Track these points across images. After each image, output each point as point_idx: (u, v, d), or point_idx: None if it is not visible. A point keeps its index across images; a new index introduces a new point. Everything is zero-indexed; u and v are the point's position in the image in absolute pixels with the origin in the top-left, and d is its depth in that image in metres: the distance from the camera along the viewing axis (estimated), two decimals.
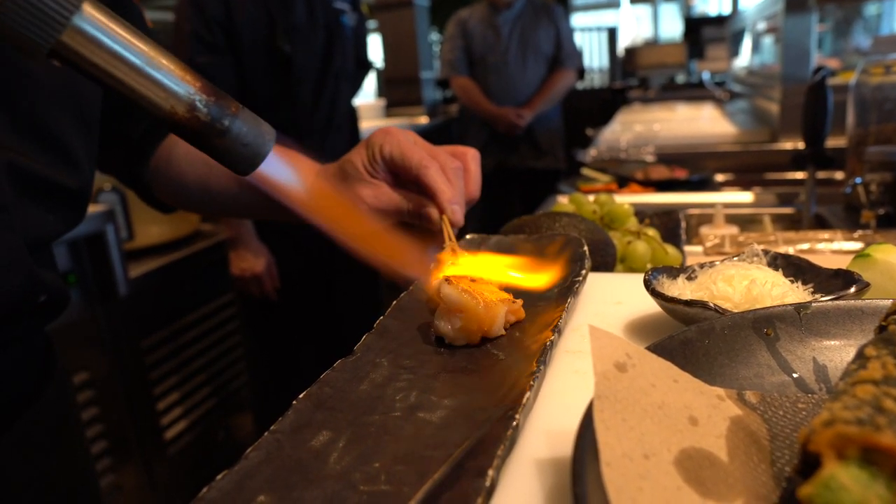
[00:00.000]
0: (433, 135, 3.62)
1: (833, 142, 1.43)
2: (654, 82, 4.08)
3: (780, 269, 0.48)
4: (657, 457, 0.27)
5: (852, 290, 0.42)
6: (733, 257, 0.51)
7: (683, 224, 0.92)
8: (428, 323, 0.47)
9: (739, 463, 0.29)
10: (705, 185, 1.64)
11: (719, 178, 1.80)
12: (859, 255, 0.52)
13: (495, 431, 0.31)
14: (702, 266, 0.50)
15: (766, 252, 0.51)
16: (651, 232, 0.80)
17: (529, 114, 2.75)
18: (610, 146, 2.12)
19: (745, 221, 1.15)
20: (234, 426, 1.87)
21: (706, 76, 3.76)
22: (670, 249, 0.76)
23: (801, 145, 1.82)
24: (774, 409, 0.33)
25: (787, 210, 1.17)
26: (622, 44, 6.71)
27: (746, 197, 1.30)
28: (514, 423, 0.31)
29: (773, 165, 1.83)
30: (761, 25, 2.66)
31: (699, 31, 4.18)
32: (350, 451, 0.32)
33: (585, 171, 1.93)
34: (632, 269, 0.76)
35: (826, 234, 0.82)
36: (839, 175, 1.50)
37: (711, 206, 1.18)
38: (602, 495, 0.24)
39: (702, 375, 0.33)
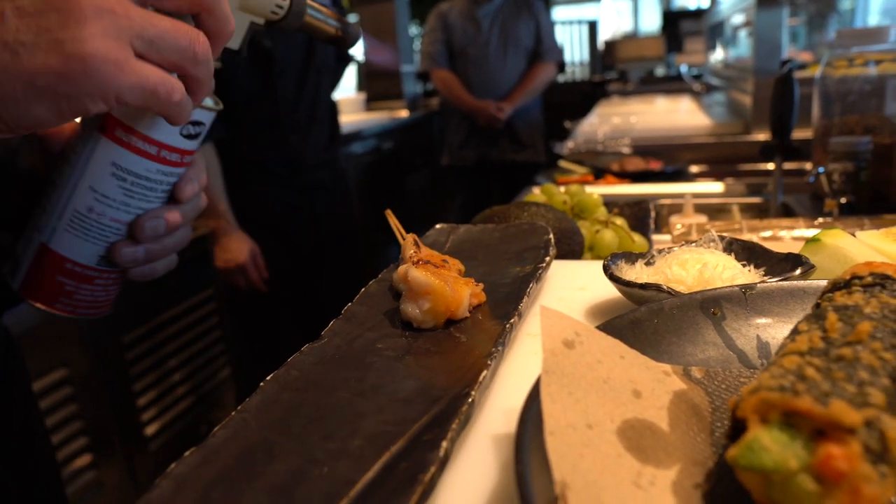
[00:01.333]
0: (414, 128, 3.62)
1: (801, 133, 1.46)
2: (633, 75, 4.11)
3: (733, 254, 0.50)
4: (600, 427, 0.28)
5: (797, 272, 0.44)
6: (691, 243, 0.53)
7: (653, 213, 0.94)
8: (394, 309, 0.48)
9: (680, 432, 0.30)
10: (679, 176, 1.67)
11: (693, 169, 1.83)
12: (811, 239, 0.54)
13: (452, 407, 0.33)
14: (660, 252, 0.52)
15: (722, 238, 0.53)
16: (619, 221, 0.82)
17: (510, 107, 2.77)
18: (587, 138, 2.14)
19: (714, 211, 1.18)
20: (216, 421, 1.88)
21: (684, 69, 3.80)
22: (637, 238, 0.78)
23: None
24: (717, 383, 0.34)
25: (756, 200, 1.20)
26: (602, 37, 6.73)
27: (717, 187, 1.33)
28: (470, 399, 0.33)
29: (746, 157, 1.86)
30: (736, 19, 2.69)
31: (677, 24, 4.22)
32: (314, 429, 0.33)
33: (562, 163, 1.95)
34: (599, 257, 0.77)
35: (788, 222, 0.84)
36: (808, 166, 1.53)
37: (681, 196, 1.21)
38: (545, 464, 0.26)
39: (650, 353, 0.35)
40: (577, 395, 0.29)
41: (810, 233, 0.83)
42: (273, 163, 1.60)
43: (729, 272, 0.45)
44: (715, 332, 0.38)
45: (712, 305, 0.39)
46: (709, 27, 3.49)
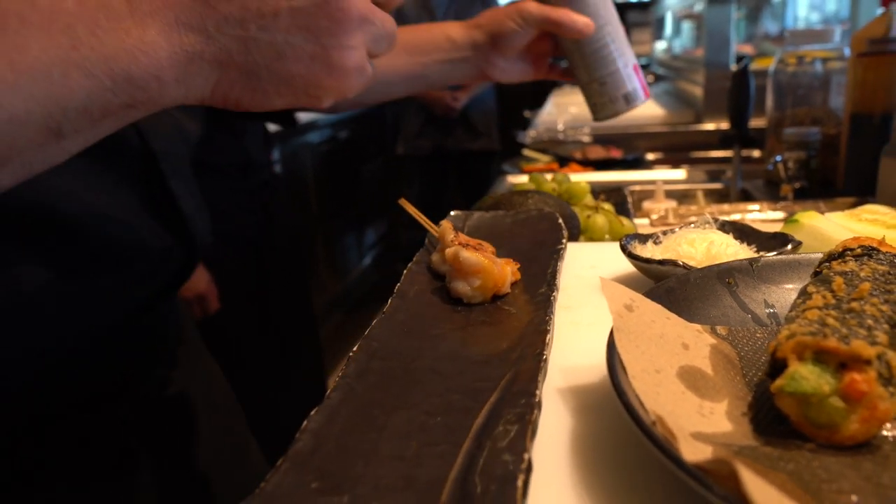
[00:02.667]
0: (368, 119, 3.65)
1: (752, 123, 1.59)
2: None
3: (729, 233, 0.57)
4: (664, 372, 0.35)
5: (789, 247, 0.52)
6: (690, 225, 0.60)
7: (630, 199, 1.02)
8: (439, 287, 0.54)
9: (721, 375, 0.37)
10: (639, 163, 1.77)
11: (650, 156, 1.93)
12: (789, 220, 0.62)
13: (529, 365, 0.39)
14: (664, 233, 0.60)
15: (715, 220, 0.60)
16: (607, 206, 0.89)
17: (464, 96, 2.82)
18: (547, 128, 2.23)
19: (680, 196, 1.27)
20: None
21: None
22: (625, 221, 0.86)
23: (723, 126, 1.97)
24: (739, 338, 0.42)
25: (717, 185, 1.30)
26: None
27: (680, 174, 1.43)
28: (545, 356, 0.39)
29: (699, 144, 1.97)
30: (682, 12, 2.82)
31: (623, 15, 4.35)
32: (413, 389, 0.39)
33: (526, 152, 2.03)
34: (591, 240, 0.85)
35: (754, 206, 0.93)
36: (756, 153, 1.66)
37: (650, 182, 1.30)
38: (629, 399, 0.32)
39: (683, 315, 0.42)
40: (643, 348, 0.36)
41: (774, 215, 0.92)
42: (225, 164, 1.60)
43: (732, 248, 0.53)
44: (731, 297, 0.45)
45: (727, 276, 0.46)
46: (655, 19, 3.63)
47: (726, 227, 0.59)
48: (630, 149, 1.91)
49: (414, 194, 3.11)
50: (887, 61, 0.94)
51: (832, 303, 0.36)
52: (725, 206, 0.95)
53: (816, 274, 0.42)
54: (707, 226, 0.60)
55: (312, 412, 0.36)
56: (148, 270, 0.55)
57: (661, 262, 0.52)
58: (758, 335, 0.42)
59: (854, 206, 0.88)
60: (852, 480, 0.29)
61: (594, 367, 0.44)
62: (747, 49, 2.53)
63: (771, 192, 1.19)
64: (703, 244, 0.54)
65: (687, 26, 3.48)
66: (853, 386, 0.31)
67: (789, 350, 0.33)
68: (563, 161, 1.84)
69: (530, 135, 2.18)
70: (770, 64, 1.23)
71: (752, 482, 0.24)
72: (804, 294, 0.39)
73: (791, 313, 0.37)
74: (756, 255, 0.48)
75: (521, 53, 0.76)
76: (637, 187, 1.28)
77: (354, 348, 0.43)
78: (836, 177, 1.11)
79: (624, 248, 0.56)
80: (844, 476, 0.30)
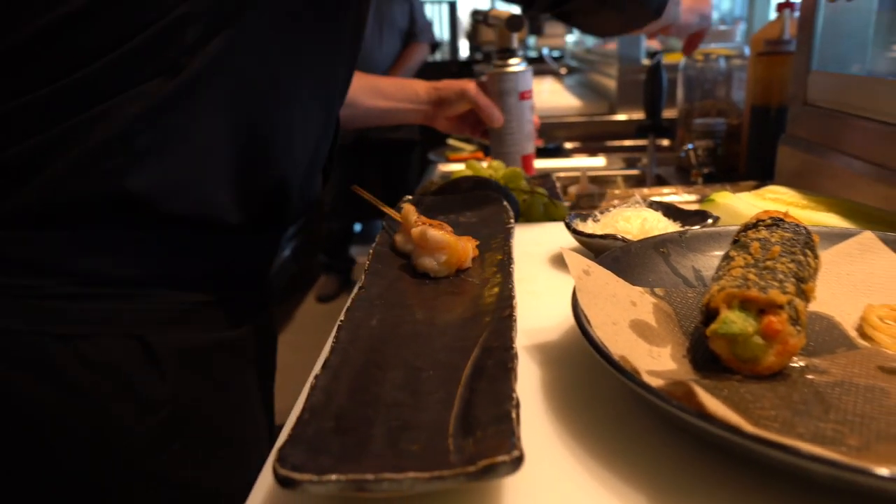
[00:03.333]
0: None
1: (664, 114, 1.72)
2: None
3: (658, 211, 0.65)
4: (619, 324, 0.42)
5: (710, 221, 0.60)
6: (623, 204, 0.68)
7: (558, 185, 1.10)
8: (405, 265, 0.59)
9: (663, 327, 0.44)
10: (559, 152, 1.87)
11: (568, 145, 2.04)
12: (706, 199, 0.71)
13: (502, 325, 0.45)
14: (601, 212, 0.67)
15: (644, 200, 0.68)
16: (540, 191, 0.96)
17: None
18: None
19: (601, 182, 1.36)
20: None
21: (546, 52, 4.08)
22: (559, 204, 0.93)
23: (635, 116, 2.10)
24: (674, 298, 0.49)
25: (634, 171, 1.41)
26: (462, 18, 6.92)
27: (600, 161, 1.52)
28: (514, 318, 0.45)
29: (613, 134, 2.09)
30: None
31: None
32: (403, 349, 0.43)
33: (451, 142, 2.09)
34: (529, 222, 0.91)
35: (671, 189, 1.03)
36: (666, 142, 1.79)
37: (573, 169, 1.39)
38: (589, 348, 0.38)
39: (627, 279, 0.49)
40: (600, 305, 0.43)
41: (688, 197, 1.02)
42: None
43: (662, 224, 0.60)
44: (665, 264, 0.53)
45: (661, 246, 0.54)
46: None
47: (654, 206, 0.67)
48: (550, 138, 2.00)
49: (335, 182, 3.12)
50: (781, 60, 1.05)
51: (751, 262, 0.43)
52: (646, 190, 1.04)
53: (735, 242, 0.49)
54: (637, 205, 0.68)
55: (317, 372, 0.40)
56: None
57: (603, 237, 0.59)
58: (689, 294, 0.50)
59: (756, 188, 0.99)
60: (771, 400, 0.37)
61: (553, 327, 0.50)
62: (654, 44, 2.69)
63: (682, 178, 1.31)
64: (637, 220, 0.61)
65: None
66: (770, 326, 0.38)
67: (720, 300, 0.40)
68: (488, 150, 1.92)
69: None
70: (679, 59, 1.34)
71: (704, 395, 0.30)
72: (727, 258, 0.46)
73: (718, 273, 0.45)
74: (683, 229, 0.56)
75: (461, 115, 1.08)
76: (562, 174, 1.36)
77: (341, 317, 0.47)
78: (738, 163, 1.23)
79: (568, 226, 0.63)
80: (765, 397, 0.37)
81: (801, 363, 0.40)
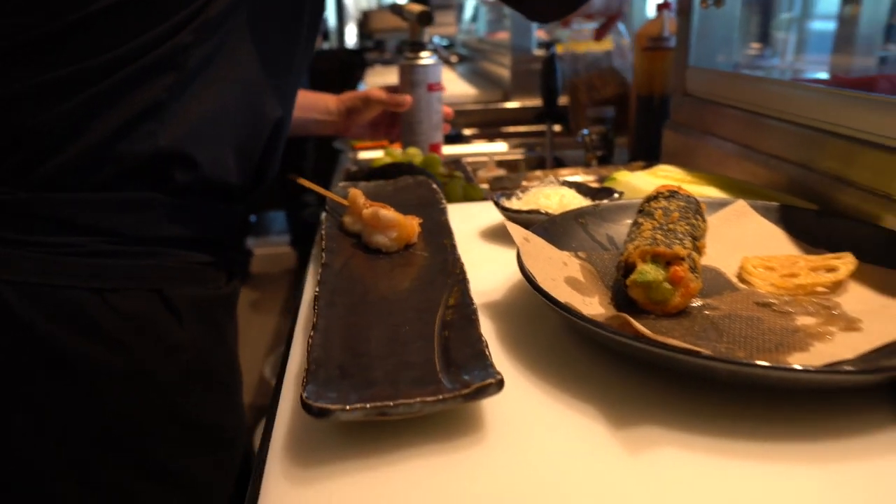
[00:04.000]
0: None
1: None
2: (388, 45, 4.39)
3: (572, 189, 0.75)
4: (557, 280, 0.51)
5: (616, 195, 0.71)
6: (542, 184, 0.77)
7: (469, 169, 1.19)
8: (356, 244, 0.66)
9: (589, 282, 0.54)
10: (459, 138, 1.96)
11: (467, 132, 2.14)
12: (608, 178, 0.82)
13: (459, 287, 0.52)
14: (523, 191, 0.76)
15: (558, 179, 0.78)
16: (458, 174, 1.05)
17: None
18: None
19: (506, 166, 1.47)
20: None
21: (437, 40, 4.17)
22: (475, 186, 1.02)
23: (528, 103, 2.24)
24: (594, 259, 0.59)
25: (535, 156, 1.52)
26: (350, 6, 6.88)
27: (502, 147, 1.63)
28: (467, 280, 0.53)
29: (508, 120, 2.22)
30: None
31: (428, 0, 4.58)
32: (377, 312, 0.50)
33: None
34: (449, 202, 1.00)
35: (572, 171, 1.15)
36: (558, 127, 1.94)
37: (480, 154, 1.49)
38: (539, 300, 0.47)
39: (556, 245, 0.58)
40: (540, 265, 0.51)
41: (589, 178, 1.14)
42: None
43: (577, 200, 0.70)
44: (584, 233, 0.63)
45: (580, 217, 0.63)
46: (457, 4, 3.88)
47: (568, 185, 0.77)
48: (450, 125, 2.09)
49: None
50: (662, 55, 1.19)
51: (657, 226, 0.53)
52: (550, 172, 1.15)
53: (640, 211, 0.60)
54: (552, 185, 0.77)
55: (311, 333, 0.46)
56: None
57: (528, 212, 0.68)
58: (605, 256, 0.60)
59: (646, 167, 1.12)
60: (679, 331, 0.47)
61: (496, 288, 0.59)
62: (542, 34, 2.85)
63: (578, 160, 1.43)
64: (556, 197, 0.71)
65: (483, 11, 3.78)
66: (676, 274, 0.48)
67: (636, 256, 0.50)
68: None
69: None
70: (570, 49, 1.47)
71: (636, 323, 0.40)
72: (636, 224, 0.57)
73: (630, 236, 0.55)
74: (596, 203, 0.66)
75: (369, 122, 1.17)
76: (469, 159, 1.45)
77: (316, 289, 0.53)
78: (628, 146, 1.37)
79: (497, 204, 0.71)
80: (675, 329, 0.47)
81: (699, 303, 0.51)
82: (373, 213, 0.63)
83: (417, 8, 1.33)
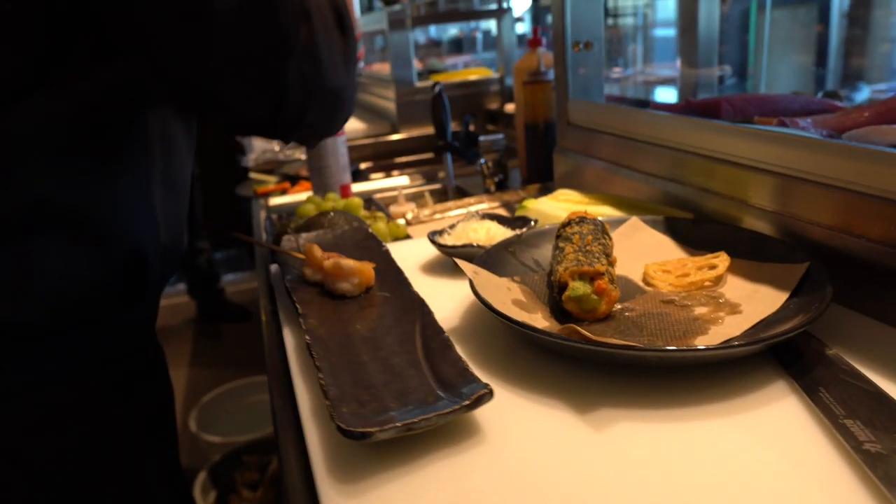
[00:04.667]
0: None
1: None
2: None
3: (494, 221, 0.87)
4: (506, 303, 0.62)
5: (533, 224, 0.83)
6: (466, 219, 0.88)
7: (383, 205, 1.29)
8: (320, 291, 0.74)
9: (530, 301, 0.66)
10: (358, 174, 2.05)
11: (363, 166, 2.23)
12: (519, 207, 0.95)
13: (427, 319, 0.62)
14: (452, 227, 0.87)
15: (477, 213, 0.90)
16: (380, 214, 1.14)
17: None
18: (264, 150, 2.39)
19: (413, 198, 1.58)
20: None
21: None
22: (399, 224, 1.12)
23: (415, 133, 2.37)
24: (528, 281, 0.71)
25: (437, 186, 1.64)
26: None
27: (405, 180, 1.74)
28: (432, 313, 0.63)
29: (398, 151, 2.34)
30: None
31: None
32: (364, 347, 0.59)
33: (253, 175, 2.17)
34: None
35: (476, 199, 1.28)
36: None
37: (385, 189, 1.59)
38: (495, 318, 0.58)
39: (495, 273, 0.69)
40: (490, 292, 0.62)
41: (494, 204, 1.27)
42: None
43: (501, 231, 0.82)
44: (515, 259, 0.74)
45: (509, 247, 0.75)
46: None
47: (488, 217, 0.89)
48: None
49: None
50: (542, 87, 1.35)
51: (577, 248, 0.66)
52: (450, 203, 1.27)
53: (559, 236, 0.72)
54: (474, 218, 0.89)
55: (320, 376, 0.54)
56: None
57: (463, 247, 0.79)
58: (535, 277, 0.72)
59: (541, 190, 1.27)
60: (609, 331, 0.59)
61: (453, 316, 0.69)
62: (419, 65, 3.00)
63: (478, 186, 1.57)
64: (482, 230, 0.82)
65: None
66: (600, 286, 0.61)
67: (567, 276, 0.62)
68: (293, 180, 2.04)
69: (251, 158, 2.32)
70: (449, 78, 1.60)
71: (582, 330, 0.52)
72: (558, 248, 0.69)
73: (556, 259, 0.67)
74: (519, 232, 0.78)
75: None
76: (378, 196, 1.55)
77: (307, 337, 0.61)
78: (520, 169, 1.52)
79: (433, 242, 0.82)
80: (606, 330, 0.60)
81: (619, 307, 0.64)
82: (334, 264, 0.71)
83: None
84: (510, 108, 2.26)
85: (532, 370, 0.57)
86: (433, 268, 0.85)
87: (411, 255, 0.91)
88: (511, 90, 2.29)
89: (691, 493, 0.42)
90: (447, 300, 0.73)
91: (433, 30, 4.47)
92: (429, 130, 2.37)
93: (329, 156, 1.40)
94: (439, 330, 0.60)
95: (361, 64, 3.86)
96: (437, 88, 1.60)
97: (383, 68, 3.00)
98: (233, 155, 2.52)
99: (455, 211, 1.23)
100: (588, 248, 0.66)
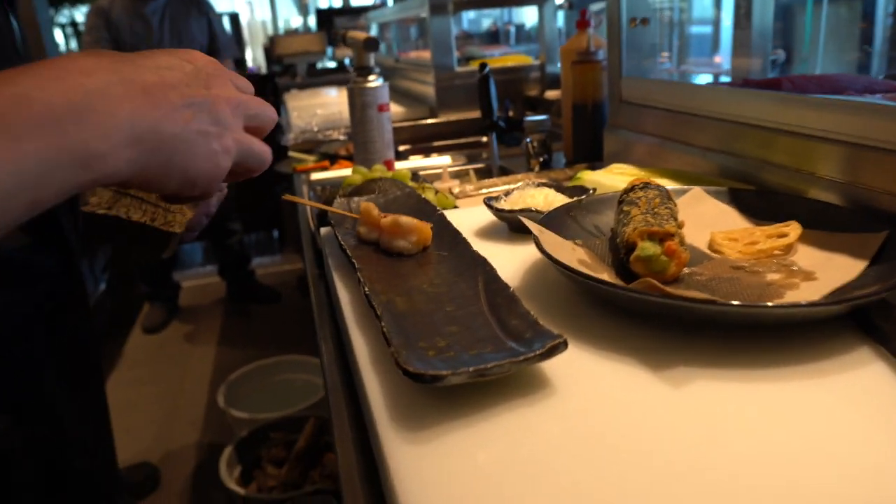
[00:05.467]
0: None
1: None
2: (299, 69, 4.42)
3: (551, 188, 0.85)
4: (572, 262, 0.61)
5: (592, 191, 0.82)
6: (521, 187, 0.87)
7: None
8: (375, 249, 0.73)
9: (595, 263, 0.64)
10: (398, 155, 2.05)
11: (401, 148, 2.23)
12: (574, 178, 0.93)
13: (490, 274, 0.61)
14: (507, 194, 0.86)
15: (533, 182, 0.88)
16: (427, 185, 1.13)
17: None
18: (303, 130, 2.39)
19: (458, 176, 1.57)
20: None
21: (347, 62, 4.24)
22: (447, 195, 1.11)
23: (453, 118, 2.36)
24: (590, 245, 0.69)
25: (481, 165, 1.63)
26: (245, 29, 6.83)
27: (447, 160, 1.73)
28: (494, 267, 0.62)
29: (437, 135, 2.32)
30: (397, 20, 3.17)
31: (332, 21, 4.65)
32: (426, 302, 0.58)
33: (292, 154, 2.18)
34: None
35: (523, 176, 1.26)
36: (485, 139, 2.07)
37: (429, 167, 1.58)
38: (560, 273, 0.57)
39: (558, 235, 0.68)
40: (555, 247, 0.61)
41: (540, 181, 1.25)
42: None
43: (559, 197, 0.81)
44: (575, 224, 0.73)
45: (570, 211, 0.74)
46: (367, 26, 3.97)
47: (543, 185, 0.88)
48: None
49: None
50: (591, 67, 1.33)
51: (644, 211, 0.64)
52: (496, 179, 1.26)
53: (622, 201, 0.71)
54: (529, 186, 0.87)
55: (382, 324, 0.53)
56: None
57: (521, 211, 0.78)
58: (597, 242, 0.70)
59: (589, 168, 1.25)
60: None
61: (515, 276, 0.68)
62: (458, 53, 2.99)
63: (521, 166, 1.55)
64: (540, 196, 0.81)
65: (393, 33, 3.90)
66: (670, 247, 0.59)
67: (636, 236, 0.60)
68: (332, 158, 2.04)
69: (290, 138, 2.32)
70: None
71: (660, 284, 0.50)
72: (623, 212, 0.67)
73: (622, 222, 0.65)
74: (579, 198, 0.76)
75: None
76: (422, 173, 1.54)
77: (365, 288, 0.60)
78: (564, 150, 1.50)
79: (490, 206, 0.80)
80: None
81: (687, 271, 0.62)
82: (393, 221, 0.71)
83: (362, 35, 1.41)
84: (551, 94, 2.23)
85: (602, 328, 0.56)
86: (488, 233, 0.84)
87: (464, 221, 0.89)
88: (552, 77, 2.27)
89: (773, 453, 0.40)
90: (506, 262, 0.72)
91: (465, 23, 4.47)
92: (467, 115, 2.36)
93: (374, 130, 1.40)
94: (504, 286, 0.58)
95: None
96: (485, 70, 1.58)
97: (420, 55, 2.99)
98: (270, 135, 2.53)
99: (501, 186, 1.22)
100: (656, 210, 0.64)
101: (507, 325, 0.52)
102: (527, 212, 0.77)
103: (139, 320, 3.36)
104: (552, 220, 0.71)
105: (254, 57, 7.61)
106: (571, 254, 0.63)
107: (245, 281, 3.45)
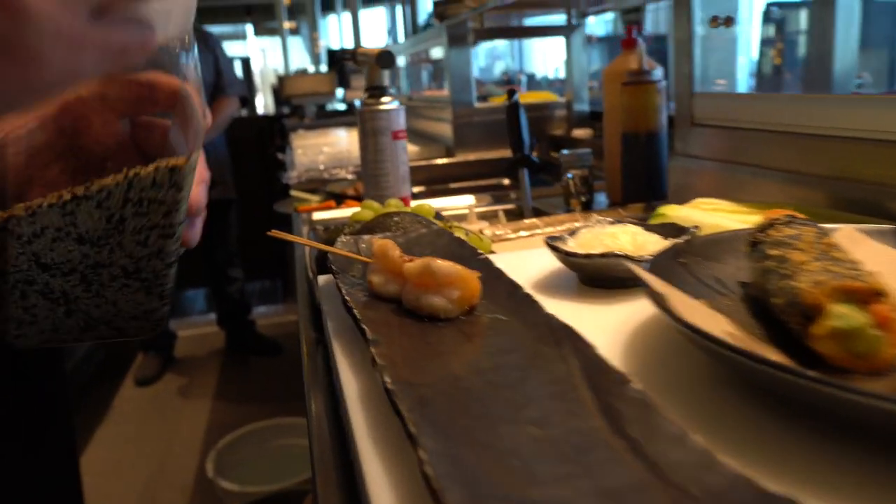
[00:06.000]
0: None
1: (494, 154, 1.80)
2: (307, 110, 4.28)
3: (637, 227, 0.63)
4: (714, 328, 0.38)
5: (693, 228, 0.59)
6: (588, 225, 0.65)
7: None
8: (395, 309, 0.50)
9: (743, 332, 0.41)
10: (412, 196, 1.84)
11: (415, 190, 2.02)
12: (655, 215, 0.71)
13: (587, 356, 0.38)
14: (571, 233, 0.63)
15: (606, 220, 0.66)
16: (457, 224, 0.92)
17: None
18: (307, 168, 2.20)
19: (485, 217, 1.35)
20: None
21: (357, 103, 4.11)
22: (482, 237, 0.89)
23: (471, 157, 2.17)
24: (720, 308, 0.46)
25: (511, 206, 1.42)
26: (256, 73, 6.79)
27: (470, 199, 1.52)
28: (593, 345, 0.39)
29: (454, 176, 2.13)
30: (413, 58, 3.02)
31: (342, 63, 4.53)
32: (490, 401, 0.35)
33: (294, 193, 1.98)
34: None
35: (566, 217, 1.04)
36: (506, 181, 1.88)
37: (450, 208, 1.37)
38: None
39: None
40: (692, 314, 0.38)
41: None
42: None
43: (653, 238, 0.58)
44: (689, 275, 0.50)
45: (678, 257, 0.51)
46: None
47: (621, 223, 0.65)
48: None
49: None
50: (646, 89, 1.13)
51: (815, 256, 0.42)
52: (536, 220, 1.04)
53: (758, 242, 0.48)
54: (599, 225, 0.65)
55: (423, 457, 0.30)
56: None
57: (603, 256, 0.55)
58: (726, 302, 0.48)
59: (646, 209, 1.03)
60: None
61: (620, 342, 0.45)
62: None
63: (557, 207, 1.34)
64: (624, 237, 0.59)
65: (404, 72, 3.76)
66: (882, 314, 0.36)
67: (824, 295, 0.38)
68: (339, 199, 1.84)
69: (293, 176, 2.13)
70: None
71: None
72: (769, 258, 0.45)
73: (775, 273, 0.43)
74: (686, 238, 0.54)
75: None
76: (445, 213, 1.33)
77: (386, 379, 0.38)
78: (606, 188, 1.29)
79: (557, 250, 0.58)
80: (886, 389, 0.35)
81: None
82: (424, 267, 0.48)
83: (375, 50, 1.22)
84: (579, 132, 2.04)
85: (794, 448, 0.33)
86: (548, 287, 0.61)
87: (512, 271, 0.67)
88: (579, 115, 2.08)
89: None
90: (588, 331, 0.49)
91: (477, 70, 4.32)
92: (486, 154, 2.17)
93: (387, 161, 1.19)
94: (618, 373, 0.35)
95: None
96: (513, 97, 1.38)
97: (434, 94, 2.82)
98: (272, 174, 2.34)
99: (545, 228, 1.00)
100: (833, 254, 0.41)
101: (656, 460, 0.29)
102: (611, 256, 0.55)
103: (131, 371, 3.13)
104: (657, 270, 0.49)
105: (265, 103, 7.55)
106: (713, 321, 0.40)
107: (245, 331, 3.24)
